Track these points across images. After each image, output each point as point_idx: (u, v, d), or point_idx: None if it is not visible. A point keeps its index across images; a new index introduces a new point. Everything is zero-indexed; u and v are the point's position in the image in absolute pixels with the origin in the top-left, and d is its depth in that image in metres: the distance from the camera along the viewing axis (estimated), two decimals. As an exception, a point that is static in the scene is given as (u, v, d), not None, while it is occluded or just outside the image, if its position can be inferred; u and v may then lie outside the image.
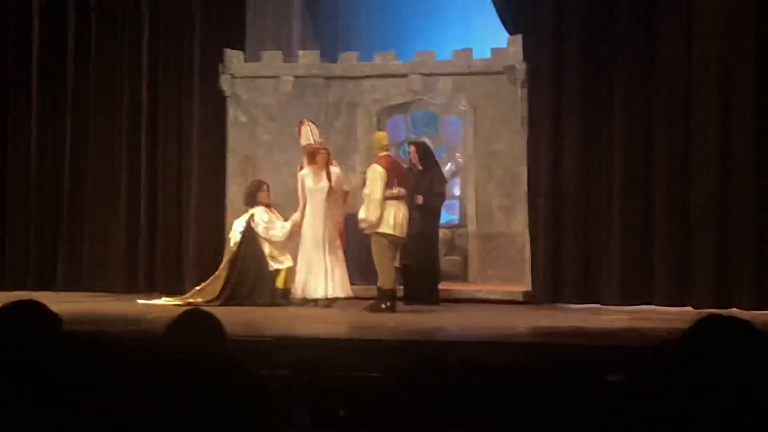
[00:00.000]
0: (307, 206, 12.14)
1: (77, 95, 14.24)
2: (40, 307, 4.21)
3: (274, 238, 12.40)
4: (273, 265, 12.39)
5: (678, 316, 11.08)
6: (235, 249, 12.43)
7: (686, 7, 12.22)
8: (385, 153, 11.84)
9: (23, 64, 14.43)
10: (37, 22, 14.45)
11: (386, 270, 11.57)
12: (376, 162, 11.78)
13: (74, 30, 14.32)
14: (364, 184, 11.82)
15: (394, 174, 11.65)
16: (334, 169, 12.31)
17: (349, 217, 12.44)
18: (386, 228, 11.51)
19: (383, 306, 11.47)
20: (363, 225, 11.61)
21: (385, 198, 11.52)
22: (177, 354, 4.05)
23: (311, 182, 12.13)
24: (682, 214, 12.12)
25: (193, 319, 4.21)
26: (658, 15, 12.36)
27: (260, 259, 12.39)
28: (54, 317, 4.19)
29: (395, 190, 11.57)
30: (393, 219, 11.51)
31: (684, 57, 12.18)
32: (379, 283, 11.61)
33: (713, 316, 3.48)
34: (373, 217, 11.47)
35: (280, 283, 12.37)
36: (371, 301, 11.68)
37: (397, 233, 11.56)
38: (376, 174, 11.59)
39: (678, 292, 12.03)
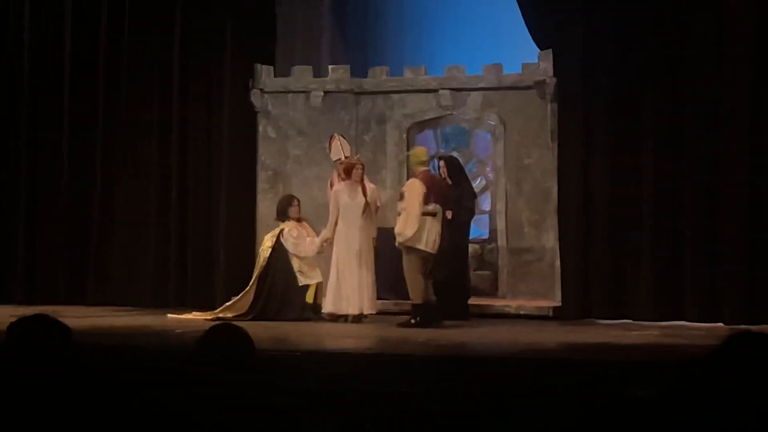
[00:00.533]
0: (341, 221, 12.11)
1: (108, 110, 14.30)
2: (50, 321, 4.25)
3: (302, 254, 12.39)
4: (302, 281, 12.38)
5: (709, 332, 11.01)
6: (264, 264, 12.43)
7: (716, 20, 12.18)
8: (424, 168, 11.80)
9: (54, 80, 14.50)
10: (69, 37, 14.53)
11: (418, 285, 11.53)
12: (414, 177, 11.75)
13: (105, 45, 14.38)
14: (401, 198, 11.76)
15: (433, 189, 11.60)
16: (369, 185, 12.32)
17: (379, 232, 12.43)
18: (420, 244, 11.46)
19: (413, 321, 11.43)
20: (399, 239, 11.52)
21: (422, 214, 11.48)
22: (205, 368, 4.06)
23: (347, 197, 12.11)
24: (712, 229, 12.06)
25: (222, 333, 4.22)
26: (688, 29, 12.33)
27: (289, 275, 12.38)
28: (65, 330, 4.23)
29: (431, 207, 11.52)
30: (427, 235, 11.47)
31: (714, 71, 12.14)
32: (411, 299, 11.56)
33: (744, 333, 3.46)
34: (410, 232, 11.41)
35: (309, 298, 12.35)
36: (405, 317, 11.64)
37: (429, 249, 11.52)
38: (414, 189, 11.54)
39: (709, 307, 11.96)
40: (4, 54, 14.69)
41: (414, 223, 11.38)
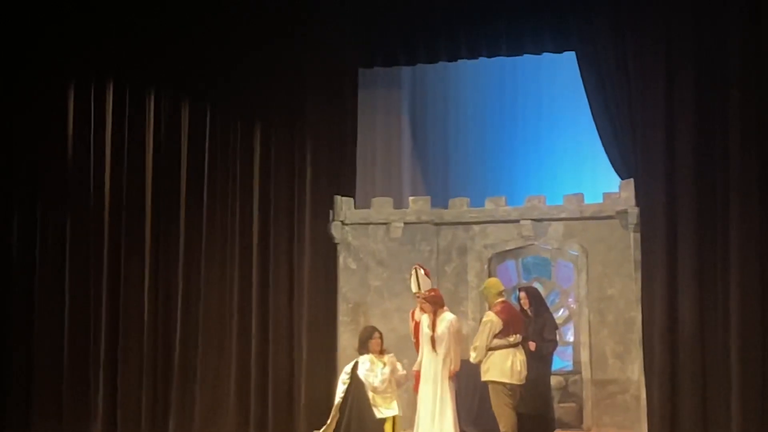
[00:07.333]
0: (422, 352, 12.06)
1: (188, 243, 14.42)
2: None
3: (373, 386, 12.27)
4: (378, 413, 12.24)
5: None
6: (341, 396, 12.34)
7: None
8: (501, 299, 11.75)
9: (137, 221, 14.58)
10: (151, 170, 14.67)
11: (506, 419, 11.42)
12: (492, 309, 11.69)
13: (186, 181, 14.52)
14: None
15: (512, 321, 11.55)
16: (449, 315, 12.20)
17: (462, 364, 12.32)
18: (504, 377, 11.41)
19: None
20: (485, 375, 11.48)
21: (501, 347, 11.42)
22: None
23: (426, 328, 12.08)
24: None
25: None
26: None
27: (364, 407, 12.25)
28: None
29: (512, 338, 11.49)
30: (510, 367, 11.40)
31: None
32: None
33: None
34: (476, 361, 11.40)
35: (388, 430, 12.21)
36: None
37: (515, 381, 11.43)
38: (485, 323, 11.57)
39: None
40: (87, 202, 14.82)
41: (480, 356, 11.37)
